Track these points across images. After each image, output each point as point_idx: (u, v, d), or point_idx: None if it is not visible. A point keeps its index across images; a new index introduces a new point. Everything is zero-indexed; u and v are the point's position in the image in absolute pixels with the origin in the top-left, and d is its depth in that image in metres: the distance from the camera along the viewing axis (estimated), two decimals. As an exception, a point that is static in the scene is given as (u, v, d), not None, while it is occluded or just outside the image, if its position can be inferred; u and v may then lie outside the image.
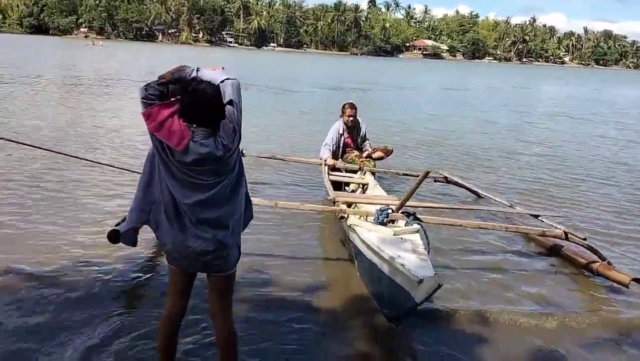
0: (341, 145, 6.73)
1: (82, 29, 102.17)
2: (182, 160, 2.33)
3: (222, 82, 2.37)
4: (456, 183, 6.97)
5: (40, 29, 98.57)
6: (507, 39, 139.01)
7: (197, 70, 2.41)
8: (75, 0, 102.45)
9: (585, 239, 4.74)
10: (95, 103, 14.42)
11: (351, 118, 6.61)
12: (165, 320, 2.62)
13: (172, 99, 2.40)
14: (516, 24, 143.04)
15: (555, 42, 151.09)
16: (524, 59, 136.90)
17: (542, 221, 5.29)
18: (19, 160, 7.20)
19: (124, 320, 3.43)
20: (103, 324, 3.35)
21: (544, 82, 49.21)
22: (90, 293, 3.76)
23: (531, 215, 5.57)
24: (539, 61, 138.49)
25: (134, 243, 2.68)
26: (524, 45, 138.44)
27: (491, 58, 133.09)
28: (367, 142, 6.87)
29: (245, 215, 2.62)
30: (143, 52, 54.77)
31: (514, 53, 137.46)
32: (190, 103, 2.34)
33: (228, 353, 2.62)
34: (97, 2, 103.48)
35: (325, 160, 6.54)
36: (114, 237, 3.99)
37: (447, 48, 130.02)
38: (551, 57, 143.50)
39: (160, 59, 39.65)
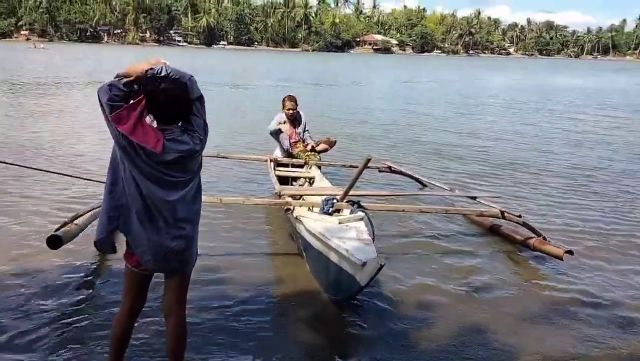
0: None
1: (22, 32, 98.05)
2: (161, 160, 2.30)
3: (189, 78, 2.37)
4: (400, 172, 7.14)
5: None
6: (454, 32, 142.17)
7: (167, 68, 2.35)
8: (14, 1, 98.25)
9: (520, 216, 4.99)
10: (36, 107, 13.96)
11: (291, 111, 6.67)
12: (123, 317, 2.61)
13: (132, 101, 2.31)
14: (462, 17, 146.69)
15: (500, 33, 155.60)
16: (471, 51, 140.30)
17: (480, 202, 5.53)
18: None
19: (72, 322, 3.40)
20: (50, 327, 3.31)
21: (488, 73, 50.38)
22: (34, 300, 3.67)
23: (469, 197, 5.82)
24: (485, 53, 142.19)
25: (113, 248, 2.52)
26: (471, 37, 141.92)
27: (439, 51, 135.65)
28: (307, 132, 6.91)
29: None
30: (87, 53, 52.94)
31: (461, 45, 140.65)
32: (163, 101, 2.32)
33: (179, 350, 2.64)
34: (38, 3, 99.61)
35: (271, 157, 6.64)
36: (54, 242, 3.96)
37: (397, 42, 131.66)
38: (497, 48, 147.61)
39: (106, 60, 38.54)
